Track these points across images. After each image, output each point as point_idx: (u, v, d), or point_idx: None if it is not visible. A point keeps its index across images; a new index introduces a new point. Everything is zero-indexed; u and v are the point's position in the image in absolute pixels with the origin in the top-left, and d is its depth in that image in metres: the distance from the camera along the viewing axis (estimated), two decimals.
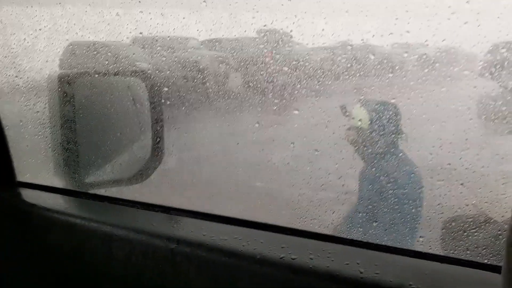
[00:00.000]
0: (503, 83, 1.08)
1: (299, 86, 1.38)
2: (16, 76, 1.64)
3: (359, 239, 1.13)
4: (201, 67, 1.65)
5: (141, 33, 1.49)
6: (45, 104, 1.59)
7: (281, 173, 1.36)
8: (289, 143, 1.31)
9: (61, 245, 1.52)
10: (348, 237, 1.15)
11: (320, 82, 1.35)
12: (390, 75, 1.24)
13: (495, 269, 0.94)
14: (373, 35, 1.18)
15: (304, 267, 1.05)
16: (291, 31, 1.28)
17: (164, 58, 1.57)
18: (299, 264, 1.06)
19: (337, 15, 1.20)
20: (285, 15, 1.26)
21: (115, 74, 1.78)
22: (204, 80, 1.59)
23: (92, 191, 1.69)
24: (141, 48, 1.63)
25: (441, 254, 1.09)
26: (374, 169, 1.44)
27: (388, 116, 1.37)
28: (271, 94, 1.40)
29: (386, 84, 1.22)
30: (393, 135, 1.40)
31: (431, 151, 1.07)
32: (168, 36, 1.52)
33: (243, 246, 1.17)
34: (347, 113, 1.43)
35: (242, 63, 1.46)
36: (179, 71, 1.56)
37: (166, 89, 1.46)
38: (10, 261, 1.68)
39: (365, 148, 1.44)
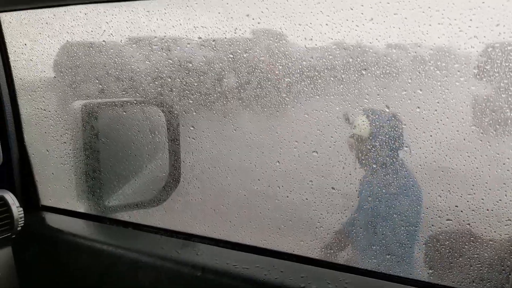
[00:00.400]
0: (497, 85, 1.16)
1: (298, 86, 1.45)
2: (44, 110, 1.73)
3: (374, 269, 1.23)
4: (197, 68, 1.67)
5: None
6: (71, 135, 1.68)
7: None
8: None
9: (87, 271, 1.61)
10: (363, 267, 1.24)
11: (315, 84, 1.43)
12: (385, 76, 1.30)
13: None
14: (368, 36, 1.24)
15: None
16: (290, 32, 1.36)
17: (160, 59, 1.63)
18: None
19: (331, 15, 1.26)
20: (279, 15, 1.33)
21: (136, 104, 1.87)
22: (201, 82, 1.62)
23: (113, 216, 1.78)
24: (136, 48, 1.69)
25: (450, 285, 1.19)
26: (374, 178, 1.52)
27: (391, 127, 1.45)
28: (268, 95, 1.47)
29: (382, 86, 1.29)
30: (396, 147, 1.48)
31: (440, 193, 1.17)
32: (163, 37, 1.58)
33: (265, 275, 1.26)
34: (349, 122, 1.52)
35: (238, 64, 1.53)
36: (175, 72, 1.62)
37: (192, 128, 1.55)
38: (36, 284, 1.76)
39: (367, 156, 1.52)
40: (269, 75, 1.45)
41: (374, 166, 1.38)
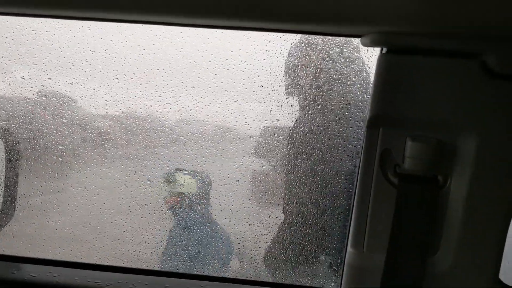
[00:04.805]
0: (271, 162, 1.52)
1: (84, 151, 1.64)
2: None
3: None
4: None
5: None
6: None
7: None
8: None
9: None
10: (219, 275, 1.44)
11: (105, 148, 1.63)
12: (174, 147, 1.57)
13: None
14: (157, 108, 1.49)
15: None
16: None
17: None
18: None
19: (152, 78, 1.48)
20: (94, 73, 1.49)
21: None
22: None
23: None
24: None
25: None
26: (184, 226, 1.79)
27: (205, 181, 1.75)
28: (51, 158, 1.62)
29: (171, 155, 1.56)
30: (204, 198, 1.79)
31: None
32: None
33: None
34: (172, 181, 1.74)
35: (18, 124, 1.61)
36: None
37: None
38: None
39: (185, 209, 1.78)
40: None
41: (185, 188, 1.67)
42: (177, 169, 1.69)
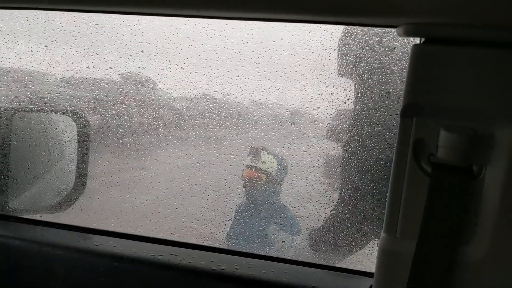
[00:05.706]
0: (312, 148, 1.51)
1: (161, 130, 1.76)
2: None
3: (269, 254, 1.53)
4: (56, 104, 1.77)
5: None
6: None
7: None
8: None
9: None
10: (263, 254, 1.53)
11: (181, 129, 1.75)
12: (249, 129, 1.66)
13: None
14: (234, 92, 1.59)
15: (231, 276, 1.39)
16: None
17: (14, 91, 1.71)
18: (228, 274, 1.40)
19: (201, 68, 1.58)
20: (150, 63, 1.61)
21: (49, 111, 1.94)
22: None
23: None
24: None
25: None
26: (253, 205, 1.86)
27: (282, 169, 1.82)
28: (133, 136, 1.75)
29: (245, 137, 1.64)
30: (279, 184, 1.85)
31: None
32: (21, 69, 1.71)
33: (180, 260, 1.46)
34: (257, 155, 1.83)
35: (103, 104, 1.73)
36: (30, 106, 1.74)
37: None
38: None
39: (261, 187, 1.86)
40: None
41: (266, 166, 1.74)
42: (263, 148, 1.79)
